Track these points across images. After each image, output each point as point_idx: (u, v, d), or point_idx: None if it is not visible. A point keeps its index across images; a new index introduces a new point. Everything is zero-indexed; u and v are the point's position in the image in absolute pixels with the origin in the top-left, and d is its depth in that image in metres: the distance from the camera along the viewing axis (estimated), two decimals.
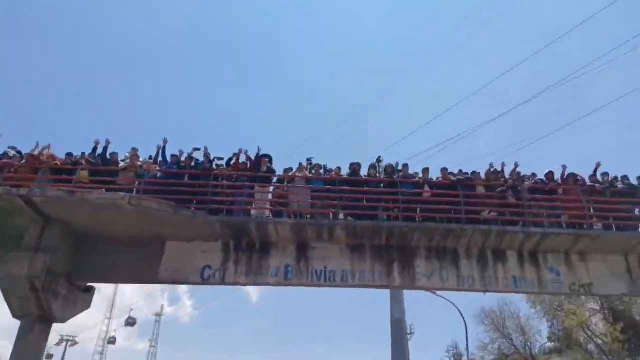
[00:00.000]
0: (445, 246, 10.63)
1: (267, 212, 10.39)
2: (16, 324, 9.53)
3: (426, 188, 10.75)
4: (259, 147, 10.73)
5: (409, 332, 29.14)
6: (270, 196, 10.70)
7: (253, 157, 10.78)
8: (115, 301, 55.86)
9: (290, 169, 10.90)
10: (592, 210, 10.54)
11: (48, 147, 10.50)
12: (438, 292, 21.42)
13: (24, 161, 10.32)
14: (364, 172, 11.10)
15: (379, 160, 11.20)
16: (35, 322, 9.50)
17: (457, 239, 10.37)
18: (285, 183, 10.82)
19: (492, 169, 11.04)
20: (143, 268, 10.33)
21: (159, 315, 57.11)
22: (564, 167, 10.88)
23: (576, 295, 11.46)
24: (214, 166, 10.88)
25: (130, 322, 50.06)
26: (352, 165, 10.93)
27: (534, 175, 11.16)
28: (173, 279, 10.23)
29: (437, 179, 10.92)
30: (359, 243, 10.60)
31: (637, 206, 10.62)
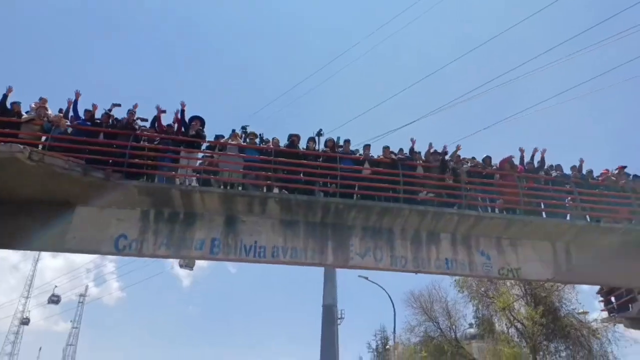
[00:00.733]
0: (381, 226, 10.31)
1: (194, 180, 9.48)
2: None
3: (366, 165, 10.31)
4: (181, 104, 9.65)
5: (339, 317, 29.43)
6: (198, 163, 9.78)
7: (185, 120, 9.77)
8: (34, 281, 52.07)
9: (222, 136, 10.03)
10: (525, 197, 10.59)
11: None
12: (370, 278, 21.55)
13: None
14: (303, 145, 10.45)
15: (319, 133, 10.59)
16: None
17: (394, 218, 10.06)
18: (217, 150, 9.93)
19: (431, 150, 10.80)
20: (49, 235, 9.14)
21: (82, 295, 54.01)
22: (511, 155, 10.84)
23: (504, 279, 11.63)
24: (136, 126, 9.76)
25: (54, 300, 47.00)
26: (290, 136, 10.24)
27: (473, 159, 11.06)
28: (82, 248, 9.14)
29: (379, 157, 10.51)
30: (293, 219, 10.01)
31: (568, 195, 10.79)
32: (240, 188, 9.57)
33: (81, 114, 9.45)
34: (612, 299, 15.35)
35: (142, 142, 9.51)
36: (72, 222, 9.07)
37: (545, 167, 11.13)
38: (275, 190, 9.65)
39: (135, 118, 9.74)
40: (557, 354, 14.46)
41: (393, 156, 10.46)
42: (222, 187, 9.45)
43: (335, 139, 10.40)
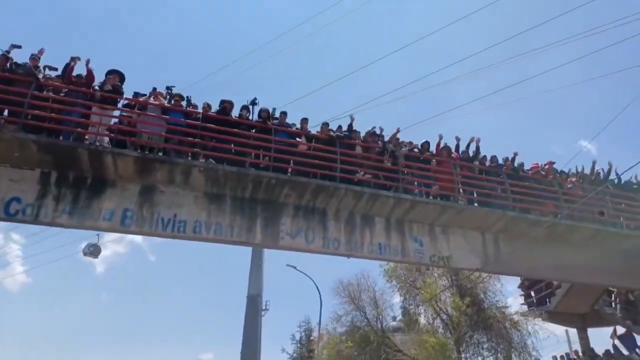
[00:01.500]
0: (315, 206, 9.73)
1: (106, 141, 8.34)
2: None
3: (303, 140, 9.68)
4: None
5: (264, 308, 28.61)
6: (113, 123, 8.63)
7: (103, 75, 8.58)
8: None
9: (143, 95, 8.94)
10: (460, 184, 10.48)
11: None
12: (299, 267, 21.01)
13: None
14: (235, 114, 9.58)
15: (253, 102, 9.74)
16: None
17: (329, 198, 9.52)
18: (136, 110, 8.83)
19: (371, 130, 10.38)
20: None
21: None
22: (440, 136, 10.67)
23: (435, 266, 11.50)
24: (41, 75, 8.42)
25: None
26: (222, 102, 9.34)
27: (410, 143, 10.78)
28: None
29: (316, 132, 9.91)
30: (219, 192, 9.16)
31: (500, 185, 10.82)
32: (160, 154, 8.55)
33: None
34: (532, 293, 16.02)
35: (46, 93, 8.21)
36: None
37: (480, 157, 11.09)
38: (201, 160, 8.75)
39: (39, 65, 8.40)
40: (479, 345, 14.76)
41: (331, 133, 9.90)
42: (139, 150, 8.37)
43: (271, 110, 9.65)
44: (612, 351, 13.44)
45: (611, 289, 14.10)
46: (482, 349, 14.68)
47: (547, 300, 15.29)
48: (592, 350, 13.98)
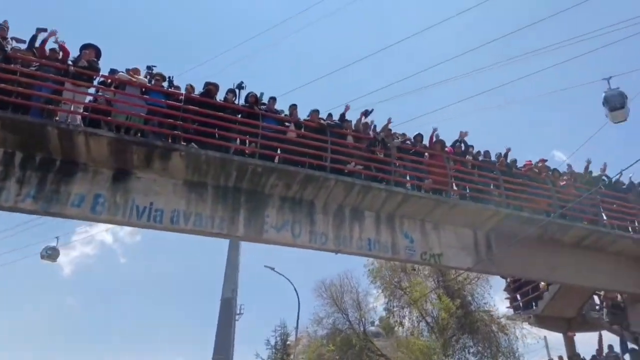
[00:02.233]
0: (302, 197, 9.21)
1: (79, 120, 7.66)
2: None
3: (292, 127, 9.16)
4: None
5: (238, 312, 27.76)
6: (87, 100, 7.96)
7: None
8: None
9: (122, 72, 8.30)
10: (453, 179, 10.10)
11: None
12: (277, 269, 20.35)
13: None
14: (221, 98, 9.01)
15: (240, 86, 9.21)
16: None
17: (317, 189, 9.01)
18: (113, 87, 8.18)
19: (362, 119, 9.93)
20: None
21: None
22: (434, 129, 10.28)
23: (426, 264, 11.07)
24: (9, 47, 7.72)
25: None
26: (207, 84, 8.77)
27: (403, 135, 10.36)
28: None
29: (306, 119, 9.41)
30: (200, 180, 8.57)
31: (493, 181, 10.49)
32: (138, 136, 7.91)
33: None
34: (518, 296, 15.74)
35: (14, 66, 7.50)
36: None
37: (474, 152, 10.74)
38: (183, 144, 8.15)
39: (7, 36, 7.71)
40: (465, 349, 14.37)
41: (322, 121, 9.40)
42: (114, 132, 7.72)
43: (259, 95, 9.10)
44: (597, 356, 13.24)
45: (598, 292, 13.93)
46: (469, 353, 14.30)
47: (534, 303, 15.04)
48: (577, 355, 13.73)
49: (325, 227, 9.23)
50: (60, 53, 7.88)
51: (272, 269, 20.66)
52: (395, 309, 15.03)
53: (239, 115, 8.84)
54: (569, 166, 11.96)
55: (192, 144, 8.06)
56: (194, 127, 8.13)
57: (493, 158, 10.85)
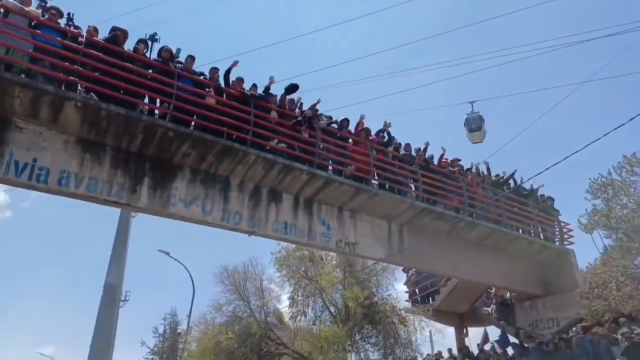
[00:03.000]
0: (217, 172, 8.40)
1: None
2: None
3: (212, 92, 8.24)
4: None
5: (123, 298, 25.72)
6: None
7: None
8: None
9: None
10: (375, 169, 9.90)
11: None
12: (172, 254, 19.05)
13: None
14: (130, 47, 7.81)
15: (153, 37, 8.04)
16: None
17: (235, 164, 8.24)
18: None
19: (288, 96, 9.30)
20: None
21: None
22: (362, 116, 9.98)
23: (340, 252, 10.86)
24: None
25: None
26: (114, 29, 7.52)
27: (330, 117, 9.91)
28: None
29: (228, 86, 8.54)
30: (98, 139, 7.39)
31: (412, 174, 10.47)
32: (23, 76, 6.51)
33: None
34: (417, 290, 16.26)
35: None
36: None
37: (396, 143, 10.65)
38: (80, 92, 6.89)
39: None
40: (365, 340, 14.45)
41: (245, 91, 8.60)
42: None
43: (174, 51, 8.03)
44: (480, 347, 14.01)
45: (489, 290, 14.79)
46: (368, 343, 14.42)
47: (430, 298, 15.62)
48: (466, 347, 14.46)
49: (239, 206, 8.50)
50: None
51: (167, 253, 19.24)
52: (300, 299, 14.73)
53: (150, 71, 7.72)
54: (477, 167, 12.40)
55: (92, 94, 6.84)
56: (95, 76, 6.89)
57: (413, 153, 10.82)
